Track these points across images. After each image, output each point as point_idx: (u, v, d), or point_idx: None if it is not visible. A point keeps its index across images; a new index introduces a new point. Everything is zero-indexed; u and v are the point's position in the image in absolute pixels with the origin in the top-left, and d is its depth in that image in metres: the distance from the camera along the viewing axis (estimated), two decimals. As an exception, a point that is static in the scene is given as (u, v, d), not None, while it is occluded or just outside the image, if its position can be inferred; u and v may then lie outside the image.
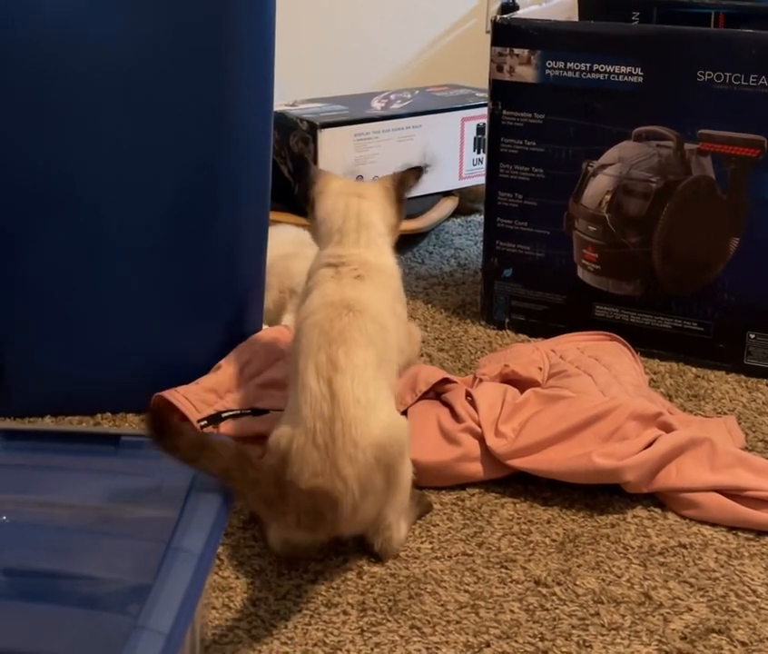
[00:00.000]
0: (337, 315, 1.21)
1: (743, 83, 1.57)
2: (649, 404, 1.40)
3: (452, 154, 2.34)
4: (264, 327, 1.65)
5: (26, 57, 1.34)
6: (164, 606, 0.77)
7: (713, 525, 1.29)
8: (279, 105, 2.20)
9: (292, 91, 2.32)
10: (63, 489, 0.94)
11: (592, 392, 1.44)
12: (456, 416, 1.40)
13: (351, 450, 1.13)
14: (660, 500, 1.33)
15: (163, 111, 1.41)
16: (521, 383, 1.50)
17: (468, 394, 1.45)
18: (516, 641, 1.08)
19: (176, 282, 1.48)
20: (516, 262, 1.82)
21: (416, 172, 1.43)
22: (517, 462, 1.34)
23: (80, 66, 1.36)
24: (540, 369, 1.54)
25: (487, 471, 1.36)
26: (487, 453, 1.36)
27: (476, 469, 1.36)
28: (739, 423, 1.50)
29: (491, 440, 1.35)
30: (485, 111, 1.85)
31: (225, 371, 1.49)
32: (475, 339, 1.81)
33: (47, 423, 1.48)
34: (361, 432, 1.14)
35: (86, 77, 1.37)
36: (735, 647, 1.08)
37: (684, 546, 1.24)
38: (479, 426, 1.37)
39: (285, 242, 1.86)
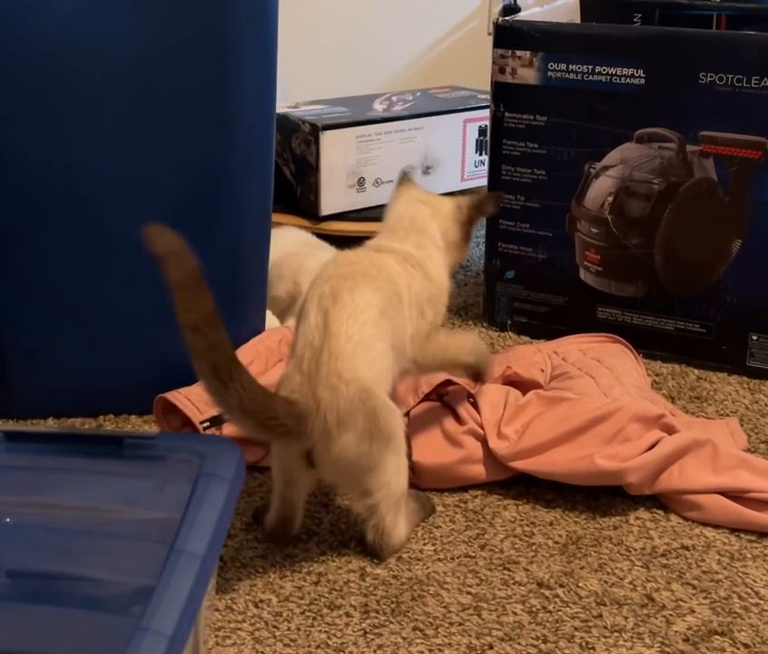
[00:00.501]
0: (356, 260, 1.22)
1: (744, 84, 1.57)
2: (651, 406, 1.40)
3: (454, 156, 2.34)
4: (274, 319, 1.66)
5: (29, 59, 1.34)
6: (167, 608, 0.77)
7: (716, 527, 1.29)
8: (281, 107, 2.20)
9: (294, 93, 2.32)
10: (65, 490, 0.94)
11: (594, 394, 1.44)
12: (458, 418, 1.40)
13: (334, 380, 1.13)
14: (662, 502, 1.33)
15: (166, 112, 1.41)
16: (523, 385, 1.50)
17: (471, 396, 1.45)
18: (519, 643, 1.08)
19: (178, 283, 1.48)
20: (519, 263, 1.82)
21: (496, 198, 1.41)
22: (520, 464, 1.34)
23: (82, 68, 1.36)
24: (542, 371, 1.54)
25: (490, 473, 1.36)
26: (489, 455, 1.36)
27: (478, 471, 1.36)
28: (741, 425, 1.50)
29: (493, 442, 1.35)
30: (487, 112, 1.86)
31: (228, 372, 1.49)
32: (477, 341, 1.81)
33: (50, 425, 1.48)
34: (346, 367, 1.13)
35: (89, 78, 1.37)
36: (738, 649, 1.08)
37: (687, 548, 1.24)
38: (481, 428, 1.37)
39: (291, 242, 1.87)
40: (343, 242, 2.06)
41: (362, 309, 1.17)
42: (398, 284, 1.23)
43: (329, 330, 1.15)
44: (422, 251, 1.31)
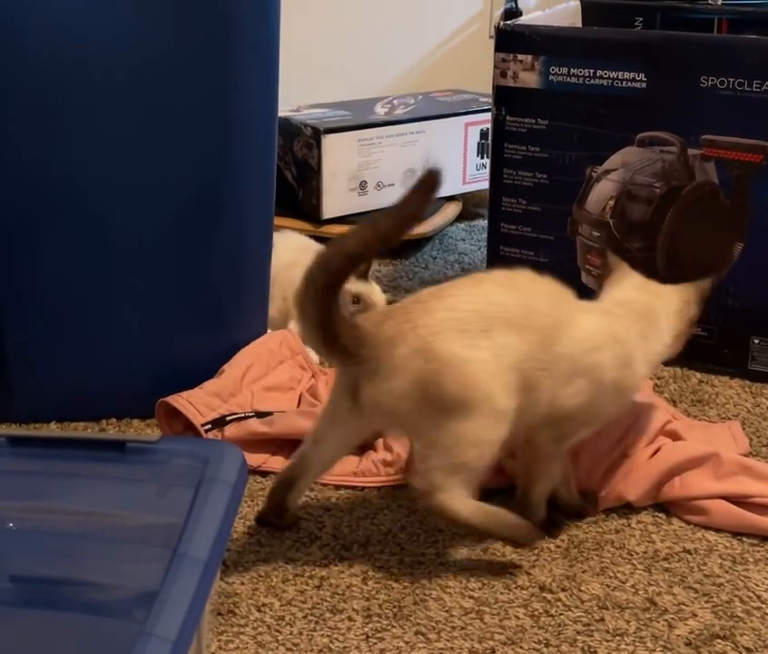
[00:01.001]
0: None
1: (746, 88, 1.57)
2: (656, 414, 1.40)
3: (456, 159, 2.34)
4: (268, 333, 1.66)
5: (30, 61, 1.34)
6: (171, 612, 0.77)
7: (718, 531, 1.28)
8: (282, 111, 2.20)
9: (296, 96, 2.32)
10: (68, 495, 0.94)
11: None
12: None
13: (407, 326, 1.12)
14: (664, 506, 1.33)
15: (168, 116, 1.41)
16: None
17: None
18: (522, 647, 1.08)
19: (181, 287, 1.49)
20: (520, 267, 1.81)
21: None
22: None
23: (83, 70, 1.36)
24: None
25: (493, 481, 1.36)
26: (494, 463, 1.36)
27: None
28: (743, 428, 1.50)
29: (505, 460, 1.35)
30: (488, 116, 1.86)
31: (229, 375, 1.50)
32: (479, 344, 1.80)
33: (52, 429, 1.48)
34: (429, 323, 1.12)
35: (90, 81, 1.37)
36: (740, 652, 1.08)
37: (689, 551, 1.24)
38: None
39: (288, 249, 1.86)
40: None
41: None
42: (575, 334, 1.20)
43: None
44: (642, 340, 1.25)
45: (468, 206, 2.44)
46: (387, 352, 1.11)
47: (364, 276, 1.79)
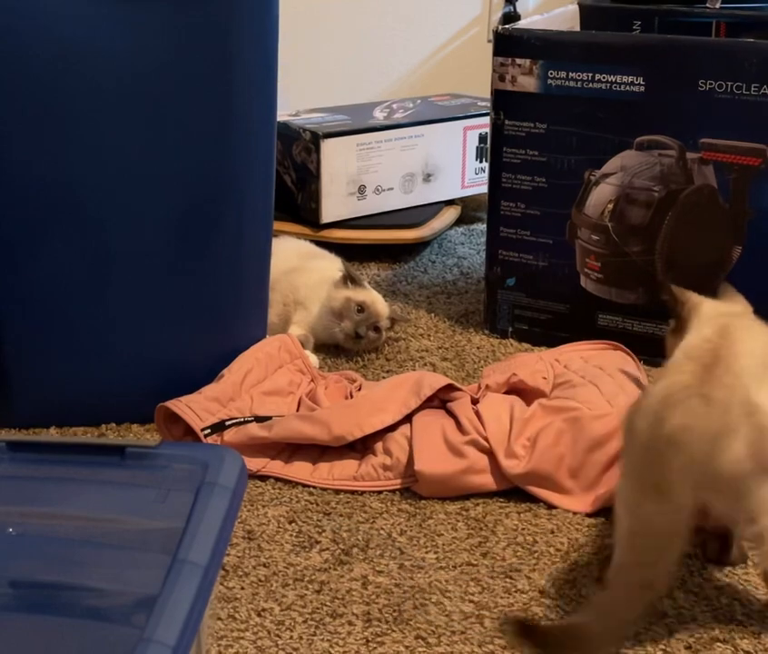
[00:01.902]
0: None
1: (744, 92, 1.57)
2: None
3: (454, 163, 2.35)
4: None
5: (31, 71, 1.35)
6: (170, 618, 0.77)
7: (718, 534, 1.28)
8: (282, 115, 2.20)
9: (295, 101, 2.32)
10: (68, 500, 0.94)
11: (598, 403, 1.44)
12: (460, 428, 1.40)
13: (729, 379, 1.05)
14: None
15: (167, 122, 1.42)
16: (528, 393, 1.49)
17: (475, 402, 1.45)
18: (522, 652, 1.08)
19: (180, 292, 1.49)
20: (519, 271, 1.82)
21: None
22: (532, 490, 1.35)
23: (84, 78, 1.36)
24: (545, 378, 1.54)
25: (492, 484, 1.36)
26: (493, 466, 1.36)
27: (480, 481, 1.36)
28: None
29: (504, 462, 1.35)
30: (487, 120, 1.86)
31: (228, 379, 1.50)
32: (478, 348, 1.81)
33: (52, 435, 1.48)
34: (742, 373, 1.06)
35: (91, 89, 1.37)
36: (740, 656, 1.08)
37: (689, 555, 1.24)
38: (485, 440, 1.37)
39: (288, 255, 1.87)
40: (344, 249, 2.07)
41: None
42: None
43: (727, 337, 1.11)
44: None
45: (467, 210, 2.44)
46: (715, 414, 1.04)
47: (359, 283, 1.79)
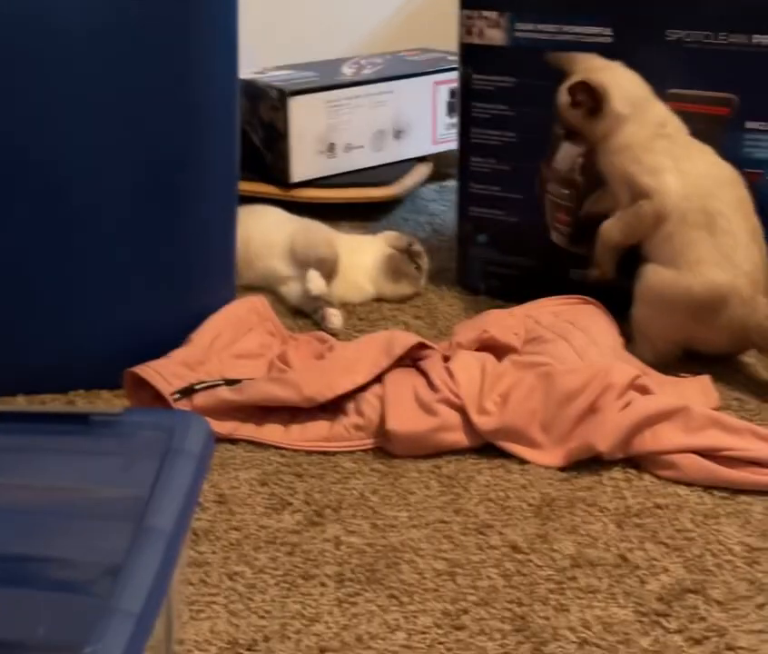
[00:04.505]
0: None
1: (712, 41, 1.56)
2: (627, 367, 1.40)
3: (425, 119, 2.33)
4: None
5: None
6: (135, 586, 0.76)
7: (689, 485, 1.29)
8: (247, 73, 2.17)
9: (262, 58, 2.29)
10: (30, 470, 0.93)
11: (569, 358, 1.44)
12: (432, 385, 1.40)
13: None
14: (635, 462, 1.33)
15: (125, 80, 1.39)
16: (499, 349, 1.49)
17: (446, 359, 1.44)
18: (494, 607, 1.08)
19: (145, 254, 1.47)
20: (491, 227, 1.81)
21: None
22: (504, 445, 1.35)
23: (38, 36, 1.33)
24: (517, 335, 1.53)
25: (464, 441, 1.36)
26: (466, 424, 1.36)
27: (452, 438, 1.36)
28: (714, 382, 1.50)
29: (476, 418, 1.35)
30: (457, 75, 1.84)
31: (197, 343, 1.48)
32: (450, 305, 1.80)
33: (18, 403, 1.46)
34: None
35: (48, 49, 1.34)
36: (711, 606, 1.08)
37: (660, 507, 1.25)
38: (457, 397, 1.37)
39: (279, 221, 1.87)
40: (315, 209, 2.05)
41: None
42: None
43: None
44: None
45: (439, 167, 2.42)
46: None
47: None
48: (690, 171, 1.51)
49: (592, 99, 1.54)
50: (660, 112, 1.55)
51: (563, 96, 1.58)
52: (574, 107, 1.57)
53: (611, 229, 1.57)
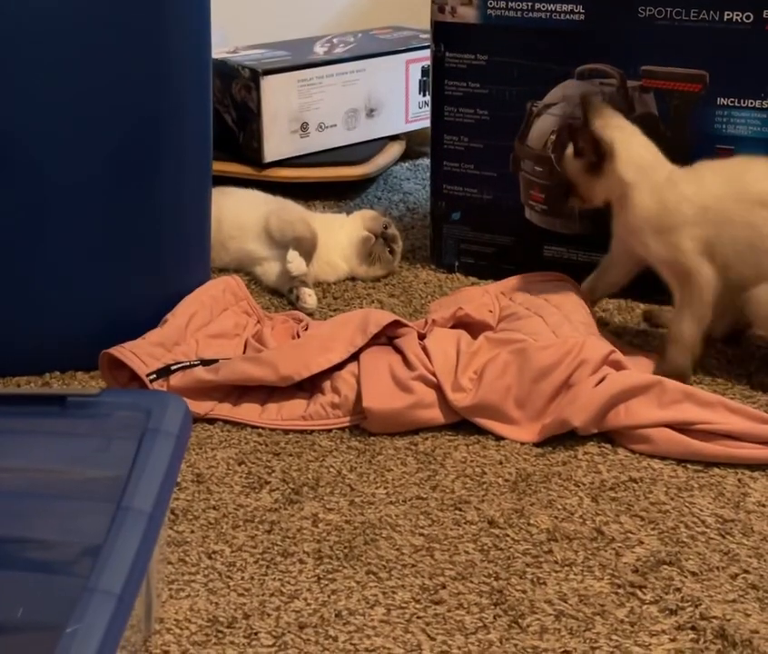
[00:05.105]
0: None
1: (684, 17, 1.56)
2: (600, 344, 1.41)
3: (398, 98, 2.32)
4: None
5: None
6: (115, 566, 0.76)
7: (663, 459, 1.30)
8: (220, 53, 2.16)
9: (234, 37, 2.28)
10: (8, 453, 0.93)
11: (544, 334, 1.45)
12: (407, 363, 1.40)
13: None
14: (610, 437, 1.34)
15: (97, 60, 1.38)
16: (474, 326, 1.50)
17: (422, 337, 1.45)
18: (472, 582, 1.09)
19: (119, 234, 1.46)
20: (464, 205, 1.81)
21: None
22: (479, 421, 1.36)
23: (11, 20, 1.32)
24: (491, 312, 1.54)
25: (440, 418, 1.37)
26: (442, 400, 1.36)
27: (428, 415, 1.36)
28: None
29: (451, 395, 1.36)
30: (429, 53, 1.84)
31: (172, 324, 1.48)
32: (425, 283, 1.81)
33: (-7, 386, 1.46)
34: None
35: (19, 31, 1.33)
36: (686, 577, 1.10)
37: (635, 480, 1.26)
38: (433, 375, 1.37)
39: (252, 201, 1.86)
40: (289, 188, 2.05)
41: None
42: None
43: None
44: None
45: (412, 145, 2.43)
46: None
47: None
48: (708, 193, 1.44)
49: (595, 153, 1.47)
50: (664, 166, 1.49)
51: (568, 145, 1.51)
52: (576, 157, 1.50)
53: (688, 330, 1.44)
